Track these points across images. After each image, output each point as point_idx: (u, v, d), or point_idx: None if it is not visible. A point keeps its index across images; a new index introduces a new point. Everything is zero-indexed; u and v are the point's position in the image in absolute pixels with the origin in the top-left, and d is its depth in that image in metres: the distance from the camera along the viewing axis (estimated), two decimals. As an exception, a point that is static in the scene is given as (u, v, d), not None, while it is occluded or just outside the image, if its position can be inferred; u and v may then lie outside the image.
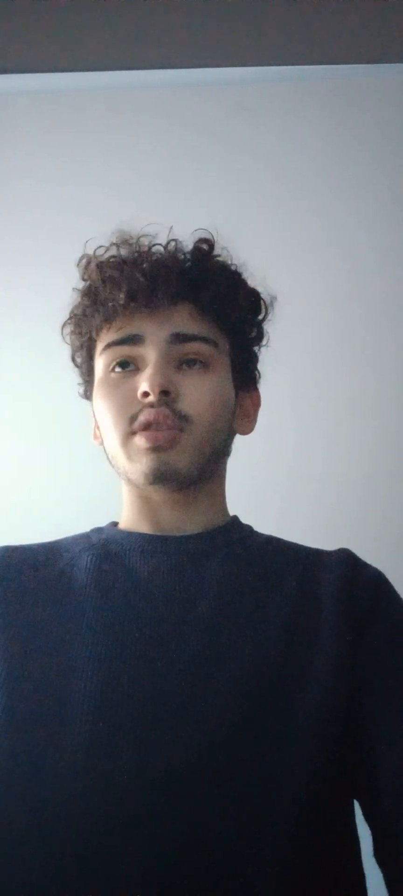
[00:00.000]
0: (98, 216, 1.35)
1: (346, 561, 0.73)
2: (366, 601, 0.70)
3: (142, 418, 0.71)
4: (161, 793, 0.58)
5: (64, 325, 0.82)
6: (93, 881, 0.56)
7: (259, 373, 0.85)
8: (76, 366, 0.83)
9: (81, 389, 0.85)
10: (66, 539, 0.79)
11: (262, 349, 0.84)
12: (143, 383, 0.71)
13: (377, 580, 0.73)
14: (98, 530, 0.79)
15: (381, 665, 0.67)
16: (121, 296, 0.74)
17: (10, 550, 0.76)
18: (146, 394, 0.70)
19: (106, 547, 0.75)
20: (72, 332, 0.81)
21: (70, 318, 0.81)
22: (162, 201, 1.32)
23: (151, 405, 0.70)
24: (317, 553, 0.76)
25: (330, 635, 0.67)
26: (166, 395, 0.71)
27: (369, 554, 0.77)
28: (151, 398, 0.70)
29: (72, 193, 1.37)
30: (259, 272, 0.82)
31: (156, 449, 0.70)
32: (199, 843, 0.57)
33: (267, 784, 0.59)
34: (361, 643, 0.68)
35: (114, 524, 0.80)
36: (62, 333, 0.82)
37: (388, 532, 1.25)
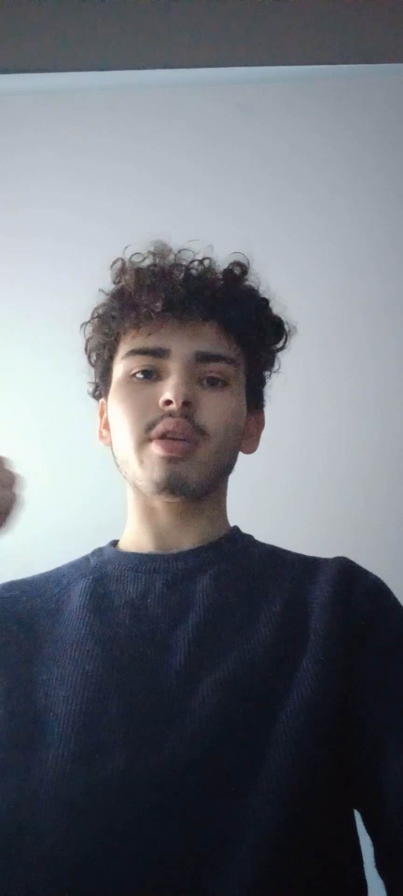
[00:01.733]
0: (98, 216, 1.36)
1: (343, 568, 0.73)
2: (365, 608, 0.70)
3: (160, 426, 0.72)
4: (147, 800, 0.59)
5: (85, 323, 0.83)
6: (85, 886, 0.56)
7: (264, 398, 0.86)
8: (91, 364, 0.84)
9: (91, 388, 0.86)
10: (66, 565, 0.81)
11: (273, 375, 0.86)
12: (167, 392, 0.72)
13: (376, 587, 0.73)
14: (98, 552, 0.81)
15: (381, 672, 0.67)
16: (158, 304, 0.74)
17: (11, 585, 0.78)
18: (168, 402, 0.71)
19: (102, 569, 0.77)
20: (95, 331, 0.82)
21: (94, 316, 0.82)
22: (162, 201, 1.32)
23: (171, 414, 0.72)
24: (314, 561, 0.76)
25: (317, 641, 0.67)
26: (187, 406, 0.72)
27: (371, 556, 0.77)
28: (173, 406, 0.71)
29: (72, 193, 1.38)
30: (267, 284, 0.83)
31: (170, 459, 0.71)
32: (186, 847, 0.57)
33: (252, 787, 0.59)
34: (360, 650, 0.68)
35: (115, 542, 0.82)
36: (83, 331, 0.83)
37: (390, 534, 1.25)
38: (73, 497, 1.31)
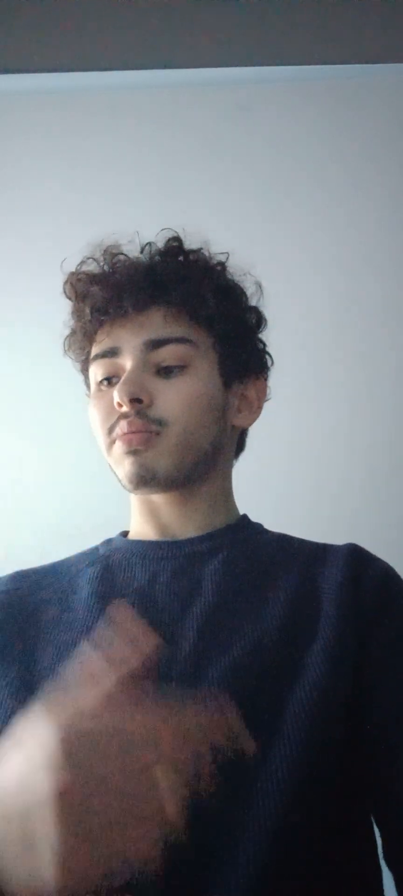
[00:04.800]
0: (97, 216, 1.35)
1: (353, 555, 0.73)
2: (375, 594, 0.70)
3: (117, 429, 0.73)
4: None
5: (64, 343, 0.83)
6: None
7: (269, 359, 0.82)
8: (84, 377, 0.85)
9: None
10: (76, 555, 0.80)
11: (264, 334, 0.82)
12: (115, 394, 0.71)
13: (386, 574, 0.73)
14: (107, 542, 0.81)
15: (392, 659, 0.67)
16: (87, 311, 0.75)
17: (21, 576, 0.78)
18: (120, 404, 0.71)
19: (110, 557, 0.76)
20: (69, 349, 0.82)
21: (65, 337, 0.82)
22: (160, 201, 1.32)
23: (125, 415, 0.71)
24: (323, 547, 0.76)
25: (329, 627, 0.67)
26: (138, 402, 0.71)
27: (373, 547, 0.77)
28: (124, 408, 0.71)
29: (71, 193, 1.37)
30: (253, 267, 0.79)
31: (133, 452, 0.71)
32: (196, 834, 0.57)
33: (261, 771, 0.59)
34: (371, 637, 0.67)
35: (125, 533, 0.82)
36: (65, 350, 0.83)
37: (390, 530, 1.25)
38: (75, 500, 1.31)
